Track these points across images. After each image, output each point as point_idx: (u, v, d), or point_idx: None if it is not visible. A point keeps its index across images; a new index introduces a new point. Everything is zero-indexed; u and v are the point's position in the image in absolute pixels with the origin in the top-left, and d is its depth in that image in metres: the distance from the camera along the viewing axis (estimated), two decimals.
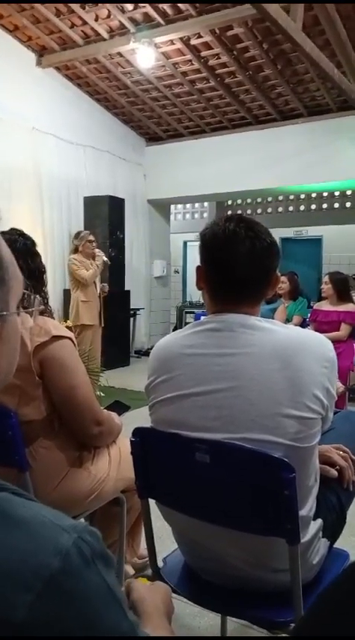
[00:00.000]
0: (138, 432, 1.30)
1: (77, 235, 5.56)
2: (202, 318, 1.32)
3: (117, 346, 6.85)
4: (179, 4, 5.51)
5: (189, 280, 11.52)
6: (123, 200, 7.38)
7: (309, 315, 5.09)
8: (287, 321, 5.08)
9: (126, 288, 7.48)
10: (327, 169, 7.04)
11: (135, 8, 5.67)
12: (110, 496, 1.81)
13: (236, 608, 1.33)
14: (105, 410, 1.84)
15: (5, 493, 0.52)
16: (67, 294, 6.26)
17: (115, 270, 6.91)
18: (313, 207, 10.59)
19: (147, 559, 1.57)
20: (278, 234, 8.75)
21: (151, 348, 1.38)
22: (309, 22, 5.23)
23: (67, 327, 3.08)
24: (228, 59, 6.35)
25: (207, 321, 1.26)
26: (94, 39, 6.23)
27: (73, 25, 6.10)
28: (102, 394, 4.39)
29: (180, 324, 9.25)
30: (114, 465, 1.80)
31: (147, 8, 5.62)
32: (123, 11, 5.74)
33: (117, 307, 6.75)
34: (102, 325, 5.56)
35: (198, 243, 1.34)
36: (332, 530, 1.36)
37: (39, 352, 1.59)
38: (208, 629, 1.84)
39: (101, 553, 0.51)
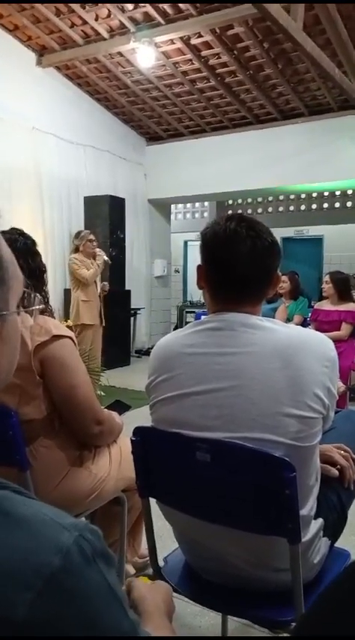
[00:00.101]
0: (138, 432, 1.30)
1: (77, 235, 5.56)
2: (203, 317, 1.31)
3: (117, 346, 6.85)
4: (179, 4, 5.51)
5: (190, 280, 11.52)
6: (123, 200, 7.38)
7: (310, 314, 5.09)
8: (288, 320, 5.08)
9: (127, 287, 7.49)
10: (328, 169, 7.04)
11: (135, 8, 5.67)
12: (111, 495, 1.81)
13: (237, 608, 1.33)
14: (106, 409, 1.84)
15: (6, 491, 0.52)
16: (67, 293, 6.26)
17: (116, 270, 6.91)
18: (314, 206, 10.58)
19: (147, 558, 1.57)
20: (278, 233, 8.72)
21: (152, 348, 1.38)
22: (310, 22, 5.23)
23: (68, 326, 3.08)
24: (229, 59, 6.35)
25: (208, 320, 1.26)
26: (94, 38, 6.23)
27: (73, 25, 6.10)
28: (102, 394, 4.39)
29: (180, 323, 9.25)
30: (114, 465, 1.80)
31: (148, 8, 5.62)
32: (123, 11, 5.74)
33: (117, 307, 6.75)
34: (103, 325, 5.56)
35: (198, 243, 1.34)
36: (333, 529, 1.36)
37: (39, 351, 1.59)
38: (209, 628, 1.84)
39: (102, 551, 0.51)
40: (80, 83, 7.33)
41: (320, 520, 1.28)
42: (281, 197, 10.50)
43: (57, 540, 0.47)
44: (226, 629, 1.73)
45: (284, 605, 1.19)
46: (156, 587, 0.83)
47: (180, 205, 11.28)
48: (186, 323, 7.98)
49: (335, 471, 1.38)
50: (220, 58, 6.42)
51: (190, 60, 6.52)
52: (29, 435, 1.61)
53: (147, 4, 5.57)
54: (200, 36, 6.04)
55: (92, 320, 5.37)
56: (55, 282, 6.58)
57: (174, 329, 6.51)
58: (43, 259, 1.87)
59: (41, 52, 6.60)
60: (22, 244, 1.76)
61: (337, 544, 1.40)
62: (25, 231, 1.85)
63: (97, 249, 5.52)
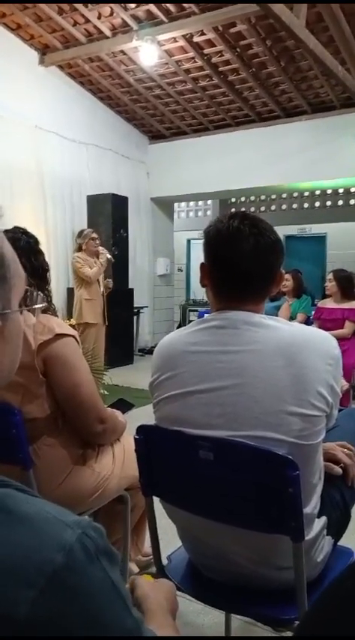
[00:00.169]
0: (142, 430, 1.30)
1: (80, 234, 5.56)
2: (206, 315, 1.31)
3: (120, 344, 6.86)
4: (182, 2, 5.50)
5: (193, 278, 11.53)
6: (126, 198, 7.38)
7: (313, 312, 5.08)
8: (292, 318, 5.07)
9: (130, 286, 7.49)
10: (331, 166, 7.02)
11: (137, 6, 5.66)
12: (114, 494, 1.81)
13: (240, 606, 1.33)
14: (109, 408, 1.84)
15: (9, 489, 0.52)
16: (70, 292, 6.26)
17: (119, 269, 6.91)
18: (317, 204, 10.57)
19: (151, 557, 1.57)
20: (282, 231, 8.74)
21: (155, 346, 1.38)
22: (313, 19, 5.22)
23: (71, 325, 3.08)
24: (231, 56, 6.34)
25: (211, 318, 1.26)
26: (97, 37, 6.23)
27: (75, 23, 6.10)
28: (106, 392, 4.39)
29: (183, 322, 9.25)
30: (118, 463, 1.81)
31: (150, 6, 5.61)
32: (125, 9, 5.73)
33: (120, 305, 6.75)
34: (106, 323, 5.56)
35: (201, 241, 1.34)
36: (337, 527, 1.36)
37: (43, 350, 1.59)
38: (212, 626, 1.84)
39: (105, 549, 0.50)
40: (83, 82, 7.33)
41: (324, 518, 1.28)
42: (284, 195, 10.49)
43: (60, 538, 0.47)
44: (229, 627, 1.74)
45: (288, 604, 1.19)
46: (160, 585, 0.83)
47: (182, 204, 11.28)
48: (189, 321, 7.97)
49: (338, 469, 1.38)
50: (223, 55, 6.41)
51: (193, 58, 6.51)
52: (32, 434, 1.61)
53: (150, 3, 5.56)
54: (203, 34, 6.02)
55: (95, 319, 5.37)
56: (58, 281, 6.58)
57: (177, 327, 6.52)
58: (46, 258, 1.87)
59: (44, 50, 6.60)
60: (24, 243, 1.77)
61: (340, 542, 1.40)
62: (28, 230, 1.86)
63: (100, 248, 5.52)
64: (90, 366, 2.03)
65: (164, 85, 7.16)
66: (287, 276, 5.23)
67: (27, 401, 1.61)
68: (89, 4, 5.72)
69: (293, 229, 10.63)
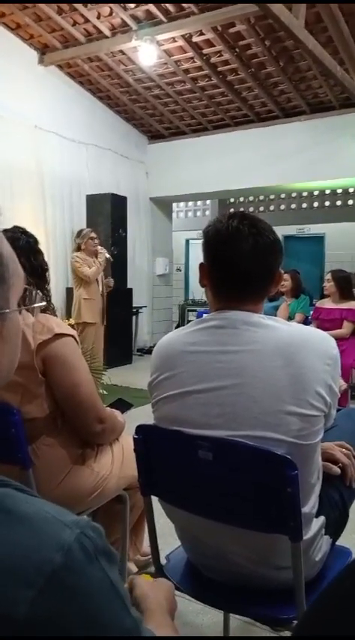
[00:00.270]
0: (140, 430, 1.30)
1: (79, 233, 5.56)
2: (205, 315, 1.31)
3: (119, 344, 6.86)
4: (181, 2, 5.50)
5: (192, 278, 11.53)
6: (125, 198, 7.38)
7: (312, 312, 5.09)
8: (290, 318, 5.07)
9: (129, 286, 7.49)
10: (330, 167, 7.02)
11: (137, 6, 5.66)
12: (113, 493, 1.81)
13: (238, 605, 1.33)
14: (108, 408, 1.84)
15: (8, 489, 0.52)
16: (69, 292, 6.26)
17: (118, 268, 6.90)
18: (315, 204, 10.57)
19: (149, 556, 1.57)
20: (280, 231, 8.73)
21: (154, 346, 1.38)
22: (312, 19, 5.22)
23: (70, 324, 3.08)
24: (230, 56, 6.34)
25: (210, 318, 1.26)
26: (96, 37, 6.23)
27: (75, 23, 6.10)
28: (104, 392, 4.39)
29: (182, 322, 9.25)
30: (116, 463, 1.81)
31: (149, 6, 5.61)
32: (125, 9, 5.73)
33: (119, 305, 6.75)
34: (105, 323, 5.56)
35: (200, 241, 1.34)
36: (335, 527, 1.36)
37: (42, 350, 1.59)
38: (211, 626, 1.84)
39: (104, 549, 0.50)
40: (82, 81, 7.32)
41: (322, 518, 1.28)
42: (282, 195, 10.49)
43: (59, 537, 0.47)
44: (228, 627, 1.74)
45: (286, 603, 1.19)
46: (158, 584, 0.83)
47: (181, 204, 11.28)
48: (188, 321, 7.97)
49: (336, 469, 1.38)
50: (222, 55, 6.41)
51: (192, 58, 6.51)
52: (31, 434, 1.61)
53: (149, 2, 5.56)
54: (202, 34, 6.02)
55: (94, 318, 5.37)
56: (57, 281, 6.58)
57: (176, 327, 6.53)
58: (45, 257, 1.87)
59: (43, 50, 6.59)
60: (24, 242, 1.77)
61: (339, 542, 1.40)
62: (27, 229, 1.85)
63: (99, 247, 5.52)
64: (89, 366, 2.03)
65: (163, 85, 7.16)
66: (285, 276, 5.24)
67: (26, 401, 1.61)
68: (88, 4, 5.72)
69: (291, 229, 10.63)
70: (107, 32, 6.09)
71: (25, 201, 6.34)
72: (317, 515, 1.25)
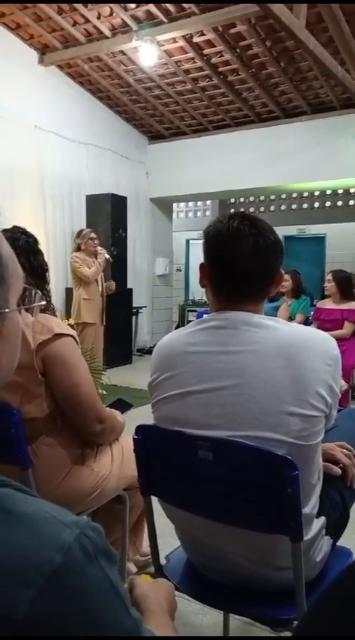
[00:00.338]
0: (140, 430, 1.30)
1: (79, 233, 5.56)
2: (205, 315, 1.31)
3: (119, 344, 6.86)
4: (182, 3, 5.50)
5: (192, 278, 11.52)
6: (125, 198, 7.38)
7: (312, 313, 5.09)
8: (291, 319, 5.07)
9: (129, 286, 7.49)
10: (331, 167, 7.02)
11: (137, 6, 5.66)
12: (112, 494, 1.81)
13: (239, 606, 1.33)
14: (108, 408, 1.84)
15: (8, 489, 0.51)
16: (69, 292, 6.26)
17: (118, 269, 6.90)
18: (316, 205, 10.57)
19: (149, 557, 1.57)
20: (281, 232, 8.71)
21: (154, 346, 1.38)
22: (313, 20, 5.22)
23: (69, 324, 3.08)
24: (231, 57, 6.34)
25: (211, 318, 1.26)
26: (97, 37, 6.23)
27: (75, 23, 6.10)
28: (104, 392, 4.39)
29: (182, 322, 9.25)
30: (116, 463, 1.81)
31: (150, 6, 5.61)
32: (125, 9, 5.73)
33: (119, 305, 6.75)
34: (104, 323, 5.56)
35: (200, 242, 1.34)
36: (336, 528, 1.36)
37: (41, 350, 1.59)
38: (210, 626, 1.84)
39: (104, 549, 0.50)
40: (82, 82, 7.32)
41: (323, 518, 1.28)
42: (283, 195, 10.48)
43: (58, 538, 0.47)
44: (228, 627, 1.74)
45: (286, 604, 1.19)
46: (158, 585, 0.83)
47: (182, 204, 11.27)
48: (188, 322, 7.98)
49: (337, 470, 1.38)
50: (222, 56, 6.41)
51: (192, 58, 6.51)
52: (31, 434, 1.61)
53: (150, 3, 5.56)
54: (202, 34, 6.02)
55: (93, 318, 5.37)
56: (57, 281, 6.58)
57: (176, 328, 6.52)
58: (45, 258, 1.87)
59: (43, 50, 6.59)
60: (24, 242, 1.77)
61: (339, 542, 1.40)
62: (27, 229, 1.85)
63: (99, 248, 5.52)
64: (89, 366, 2.03)
65: (163, 85, 7.16)
66: (286, 276, 5.24)
67: (26, 401, 1.61)
68: (89, 4, 5.72)
69: (292, 230, 10.62)
70: (107, 32, 6.09)
71: (25, 201, 6.34)
72: (317, 516, 1.25)
